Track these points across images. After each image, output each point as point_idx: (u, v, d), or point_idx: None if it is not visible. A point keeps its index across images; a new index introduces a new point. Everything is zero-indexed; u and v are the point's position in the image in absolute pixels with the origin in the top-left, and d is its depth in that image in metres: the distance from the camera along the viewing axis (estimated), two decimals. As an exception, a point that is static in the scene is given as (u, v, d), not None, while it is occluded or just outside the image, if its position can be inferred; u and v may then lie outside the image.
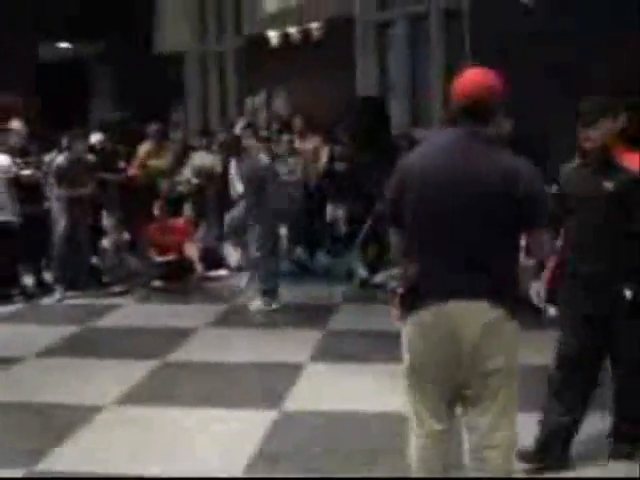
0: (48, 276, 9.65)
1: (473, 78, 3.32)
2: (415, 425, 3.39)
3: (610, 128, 4.22)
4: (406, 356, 3.36)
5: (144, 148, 11.33)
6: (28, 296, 9.30)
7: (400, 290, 3.39)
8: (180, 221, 10.42)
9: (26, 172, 9.27)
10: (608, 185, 4.17)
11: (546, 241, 3.31)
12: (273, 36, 13.54)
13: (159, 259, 9.78)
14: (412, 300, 3.29)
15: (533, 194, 3.17)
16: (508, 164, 3.20)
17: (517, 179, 3.15)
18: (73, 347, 7.32)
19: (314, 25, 12.70)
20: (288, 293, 9.16)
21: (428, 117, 11.55)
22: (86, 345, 7.40)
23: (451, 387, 3.31)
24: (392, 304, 3.51)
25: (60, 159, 9.38)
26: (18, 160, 9.27)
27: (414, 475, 3.43)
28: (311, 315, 8.16)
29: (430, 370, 3.28)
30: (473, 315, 3.18)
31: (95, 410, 5.55)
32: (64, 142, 9.79)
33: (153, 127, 11.44)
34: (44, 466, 4.66)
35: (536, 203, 3.19)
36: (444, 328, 3.20)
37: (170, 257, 9.75)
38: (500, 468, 3.30)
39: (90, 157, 9.86)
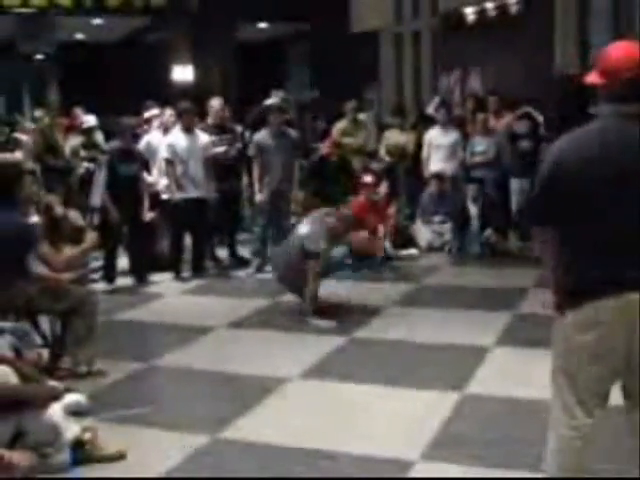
0: (243, 251, 9.92)
1: (628, 52, 3.08)
2: (564, 420, 3.27)
3: None
4: (564, 352, 3.31)
5: (340, 126, 11.45)
6: (222, 269, 9.59)
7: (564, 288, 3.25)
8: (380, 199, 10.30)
9: (219, 149, 9.53)
10: None
11: None
12: (469, 13, 13.31)
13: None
14: (576, 295, 3.15)
15: None
16: None
17: None
18: (262, 320, 7.48)
19: (511, 0, 12.37)
20: (477, 275, 9.04)
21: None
22: (272, 319, 7.52)
23: (608, 382, 3.20)
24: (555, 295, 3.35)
25: (260, 135, 9.42)
26: (214, 137, 9.53)
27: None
28: (500, 298, 7.95)
29: (593, 365, 3.15)
30: None
31: (280, 382, 5.65)
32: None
33: (350, 105, 11.52)
34: (227, 434, 4.79)
35: None
36: (619, 321, 3.04)
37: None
38: None
39: (293, 132, 9.75)
